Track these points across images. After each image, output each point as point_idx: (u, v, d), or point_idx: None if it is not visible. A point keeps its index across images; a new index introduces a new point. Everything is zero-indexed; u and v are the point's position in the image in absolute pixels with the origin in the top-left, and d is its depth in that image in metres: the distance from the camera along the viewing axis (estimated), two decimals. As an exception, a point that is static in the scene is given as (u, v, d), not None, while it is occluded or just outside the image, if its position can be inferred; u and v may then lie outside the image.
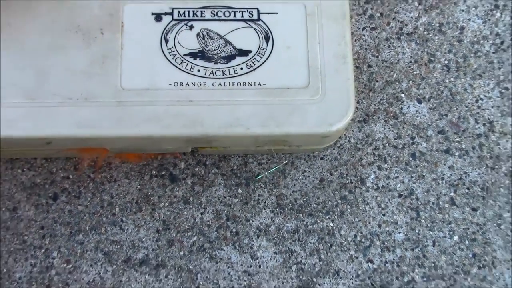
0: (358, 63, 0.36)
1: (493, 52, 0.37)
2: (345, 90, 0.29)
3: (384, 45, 0.37)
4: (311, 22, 0.30)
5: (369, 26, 0.37)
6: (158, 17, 0.29)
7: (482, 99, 0.36)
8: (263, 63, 0.29)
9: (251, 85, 0.29)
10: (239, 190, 0.35)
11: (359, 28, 0.37)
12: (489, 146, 0.36)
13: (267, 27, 0.29)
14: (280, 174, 0.35)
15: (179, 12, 0.29)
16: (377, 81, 0.36)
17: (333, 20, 0.30)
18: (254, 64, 0.29)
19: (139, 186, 0.34)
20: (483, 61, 0.37)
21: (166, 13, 0.29)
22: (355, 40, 0.37)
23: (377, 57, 0.37)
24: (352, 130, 0.36)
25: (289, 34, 0.29)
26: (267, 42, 0.29)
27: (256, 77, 0.29)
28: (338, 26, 0.30)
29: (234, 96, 0.29)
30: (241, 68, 0.29)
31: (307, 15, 0.30)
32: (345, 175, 0.35)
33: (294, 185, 0.35)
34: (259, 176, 0.35)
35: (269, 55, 0.29)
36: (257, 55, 0.29)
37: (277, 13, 0.30)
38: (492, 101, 0.36)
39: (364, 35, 0.37)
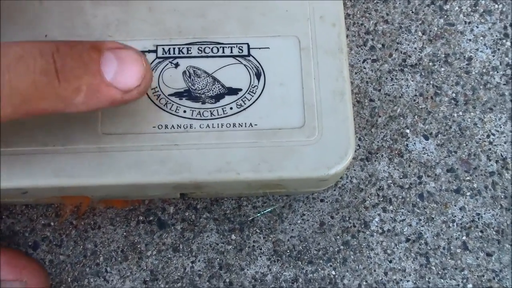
0: (359, 97, 0.35)
1: (504, 84, 0.36)
2: (344, 130, 0.27)
3: (386, 78, 0.36)
4: (306, 57, 0.28)
5: (370, 58, 0.36)
6: (141, 54, 0.28)
7: (493, 134, 0.35)
8: (254, 101, 0.28)
9: (241, 126, 0.27)
10: (233, 236, 0.33)
11: (360, 61, 0.36)
12: (503, 185, 0.34)
13: (258, 63, 0.28)
14: (277, 218, 0.33)
15: (163, 49, 0.28)
16: (379, 116, 0.35)
17: (330, 54, 0.29)
18: (245, 103, 0.28)
19: (125, 233, 0.33)
20: (494, 94, 0.35)
21: (149, 51, 0.28)
22: (356, 73, 0.36)
23: (379, 90, 0.35)
24: (354, 170, 0.34)
25: (282, 70, 0.28)
26: (258, 79, 0.28)
27: (247, 117, 0.28)
28: (335, 61, 0.28)
29: (223, 138, 0.27)
30: (231, 108, 0.28)
31: (301, 49, 0.29)
32: (347, 218, 0.33)
33: (292, 230, 0.33)
34: (259, 214, 0.33)
35: (261, 93, 0.28)
36: (248, 93, 0.28)
37: (268, 47, 0.29)
38: (504, 136, 0.35)
39: (365, 68, 0.36)
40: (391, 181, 0.34)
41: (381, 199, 0.34)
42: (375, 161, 0.34)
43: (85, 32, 0.29)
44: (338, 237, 0.33)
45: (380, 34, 0.36)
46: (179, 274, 0.32)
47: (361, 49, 0.36)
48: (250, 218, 0.33)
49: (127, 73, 0.23)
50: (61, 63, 0.21)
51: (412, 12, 0.37)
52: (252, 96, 0.28)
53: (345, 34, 0.29)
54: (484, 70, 0.36)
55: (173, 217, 0.33)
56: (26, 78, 0.21)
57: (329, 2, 0.29)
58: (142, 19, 0.29)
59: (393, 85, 0.36)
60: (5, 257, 0.28)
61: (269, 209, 0.33)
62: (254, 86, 0.28)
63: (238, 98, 0.28)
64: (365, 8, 0.37)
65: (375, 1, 0.37)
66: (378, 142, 0.35)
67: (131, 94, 0.23)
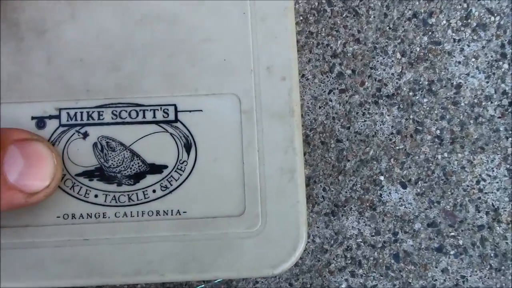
0: (324, 137, 0.31)
1: (499, 117, 0.31)
2: (293, 218, 0.23)
3: (357, 113, 0.31)
4: (248, 122, 0.24)
5: (338, 88, 0.31)
6: (40, 122, 0.24)
7: (484, 180, 0.31)
8: (182, 182, 0.23)
9: (166, 214, 0.23)
10: (175, 310, 0.30)
11: (325, 91, 0.31)
12: (493, 241, 0.30)
13: (188, 131, 0.24)
14: (226, 287, 0.30)
15: (68, 114, 0.24)
16: (348, 160, 0.31)
17: (278, 118, 0.24)
18: (171, 185, 0.23)
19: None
20: (486, 129, 0.31)
21: (50, 117, 0.24)
22: (320, 107, 0.31)
23: (349, 128, 0.31)
24: (317, 227, 0.30)
25: (218, 141, 0.24)
26: (188, 152, 0.23)
27: (174, 203, 0.23)
28: (284, 126, 0.24)
29: (144, 230, 0.23)
30: (154, 191, 0.23)
31: (242, 112, 0.24)
32: (308, 285, 0.30)
33: (245, 301, 0.30)
34: (201, 286, 0.29)
35: (191, 171, 0.23)
36: (175, 171, 0.23)
37: (201, 110, 0.24)
38: (497, 182, 0.31)
39: (331, 100, 0.31)
40: (361, 240, 0.30)
41: (349, 261, 0.30)
42: (342, 215, 0.30)
43: (-32, 93, 0.24)
44: (298, 310, 0.30)
45: (350, 57, 0.31)
46: None
47: (327, 76, 0.31)
48: (200, 287, 0.30)
49: (34, 174, 0.20)
50: None
51: (390, 28, 0.31)
52: (180, 175, 0.23)
53: (298, 89, 0.24)
54: (475, 101, 0.31)
55: (104, 289, 0.30)
56: None
57: (279, 47, 0.24)
58: (40, 73, 0.24)
59: (365, 121, 0.31)
60: None
61: (218, 280, 0.30)
62: (183, 162, 0.23)
63: (163, 178, 0.23)
64: (331, 24, 0.31)
65: (344, 15, 0.32)
66: (346, 192, 0.30)
67: (37, 197, 0.21)
